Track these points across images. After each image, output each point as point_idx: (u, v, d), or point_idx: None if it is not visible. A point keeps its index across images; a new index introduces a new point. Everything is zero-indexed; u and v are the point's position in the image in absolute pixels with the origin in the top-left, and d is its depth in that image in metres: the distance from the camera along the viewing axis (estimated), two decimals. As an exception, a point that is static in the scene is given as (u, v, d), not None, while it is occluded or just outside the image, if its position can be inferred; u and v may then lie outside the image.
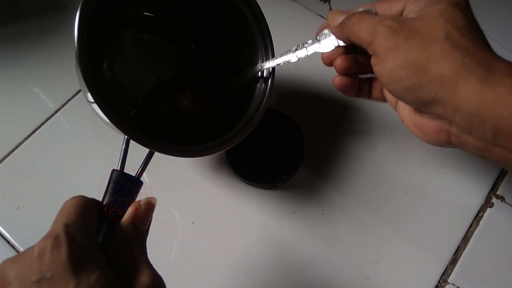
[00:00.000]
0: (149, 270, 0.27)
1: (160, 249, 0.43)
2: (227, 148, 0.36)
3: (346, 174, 0.47)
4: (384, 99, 0.35)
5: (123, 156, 0.31)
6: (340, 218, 0.45)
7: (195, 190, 0.46)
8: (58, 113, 0.50)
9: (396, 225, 0.45)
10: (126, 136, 0.31)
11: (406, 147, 0.48)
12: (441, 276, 0.43)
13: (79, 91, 0.51)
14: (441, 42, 0.25)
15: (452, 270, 0.43)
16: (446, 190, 0.46)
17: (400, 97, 0.28)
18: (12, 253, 0.43)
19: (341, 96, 0.51)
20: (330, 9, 0.56)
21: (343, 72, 0.33)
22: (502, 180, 0.47)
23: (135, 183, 0.30)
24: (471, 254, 0.43)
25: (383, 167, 0.47)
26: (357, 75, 0.34)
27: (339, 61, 0.32)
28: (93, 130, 0.49)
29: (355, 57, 0.33)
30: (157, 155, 0.33)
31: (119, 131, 0.31)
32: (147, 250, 0.28)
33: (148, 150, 0.33)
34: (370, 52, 0.28)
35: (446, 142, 0.28)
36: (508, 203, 0.46)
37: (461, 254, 0.43)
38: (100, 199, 0.29)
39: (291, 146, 0.45)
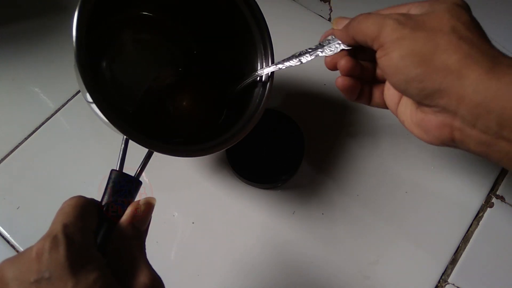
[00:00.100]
0: (148, 270, 0.27)
1: (160, 249, 0.43)
2: (226, 148, 0.36)
3: (346, 174, 0.47)
4: (384, 105, 0.35)
5: (122, 156, 0.31)
6: (340, 218, 0.45)
7: (195, 190, 0.46)
8: (58, 113, 0.50)
9: (396, 225, 0.45)
10: (125, 136, 0.31)
11: (406, 147, 0.48)
12: (441, 276, 0.43)
13: (79, 91, 0.51)
14: (447, 34, 0.26)
15: (452, 270, 0.43)
16: (446, 190, 0.46)
17: (403, 89, 0.28)
18: (12, 253, 0.43)
19: (341, 96, 0.51)
20: (330, 9, 0.56)
21: (347, 73, 0.33)
22: (502, 180, 0.47)
23: (135, 183, 0.30)
24: (471, 254, 0.43)
25: (383, 167, 0.47)
26: (359, 80, 0.34)
27: (343, 62, 0.32)
28: (93, 130, 0.49)
29: (358, 61, 0.33)
30: (157, 155, 0.33)
31: (118, 131, 0.30)
32: (147, 250, 0.28)
33: (147, 150, 0.32)
34: (375, 46, 0.29)
35: (448, 139, 0.28)
36: (508, 203, 0.46)
37: (461, 254, 0.43)
38: (100, 199, 0.29)
39: (291, 146, 0.45)
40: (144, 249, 0.28)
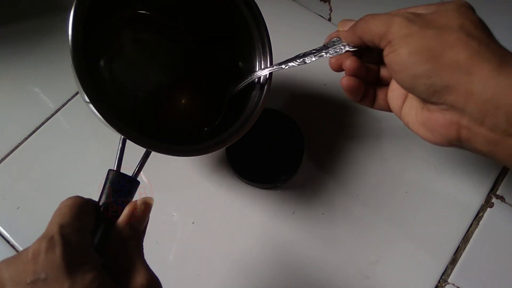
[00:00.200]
0: (145, 271, 0.27)
1: (160, 249, 0.43)
2: (224, 148, 0.36)
3: (346, 174, 0.47)
4: (387, 107, 0.34)
5: (119, 156, 0.31)
6: (340, 218, 0.45)
7: (195, 190, 0.46)
8: (58, 113, 0.50)
9: (396, 225, 0.45)
10: (122, 136, 0.31)
11: (406, 148, 0.48)
12: (441, 276, 0.43)
13: (79, 91, 0.51)
14: (456, 32, 0.26)
15: (452, 270, 0.43)
16: (446, 190, 0.46)
17: (411, 86, 0.28)
18: (12, 253, 0.43)
19: (341, 96, 0.51)
20: (330, 9, 0.56)
21: (352, 73, 0.33)
22: (502, 180, 0.47)
23: (135, 184, 0.30)
24: (471, 254, 0.43)
25: (383, 167, 0.47)
26: (363, 81, 0.34)
27: (349, 62, 0.32)
28: (93, 130, 0.49)
29: (363, 62, 0.33)
30: (156, 155, 0.33)
31: (115, 131, 0.31)
32: (146, 251, 0.28)
33: (145, 149, 0.32)
34: (383, 44, 0.28)
35: (455, 138, 0.27)
36: (508, 203, 0.46)
37: (461, 254, 0.43)
38: (98, 199, 0.29)
39: (291, 146, 0.45)
40: (142, 249, 0.28)
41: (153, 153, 0.33)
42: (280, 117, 0.46)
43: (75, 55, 0.29)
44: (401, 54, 0.27)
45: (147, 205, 0.29)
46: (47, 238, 0.24)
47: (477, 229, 0.44)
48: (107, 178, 0.30)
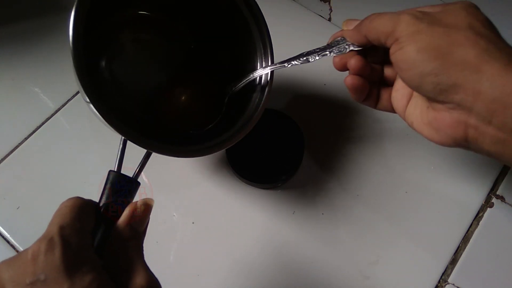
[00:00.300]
0: (145, 272, 0.26)
1: (160, 249, 0.43)
2: (224, 149, 0.36)
3: (346, 174, 0.47)
4: (390, 108, 0.34)
5: (120, 157, 0.31)
6: (340, 218, 0.45)
7: (195, 190, 0.46)
8: (58, 113, 0.50)
9: (396, 225, 0.45)
10: (122, 137, 0.31)
11: (406, 148, 0.48)
12: (441, 276, 0.43)
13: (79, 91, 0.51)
14: (464, 30, 0.26)
15: (452, 270, 0.43)
16: (446, 190, 0.46)
17: (417, 84, 0.27)
18: (12, 253, 0.43)
19: (341, 96, 0.51)
20: (330, 9, 0.56)
21: (357, 72, 0.32)
22: (502, 180, 0.47)
23: (135, 184, 0.30)
24: (471, 254, 0.43)
25: (383, 167, 0.47)
26: (367, 81, 0.34)
27: (354, 61, 0.32)
28: (93, 130, 0.49)
29: (368, 61, 0.33)
30: (156, 155, 0.33)
31: (116, 132, 0.30)
32: (145, 251, 0.28)
33: (146, 150, 0.32)
34: (389, 42, 0.28)
35: (461, 138, 0.27)
36: (508, 203, 0.46)
37: (461, 254, 0.43)
38: (98, 199, 0.29)
39: (291, 146, 0.45)
40: (142, 250, 0.28)
41: (153, 153, 0.33)
42: (280, 117, 0.46)
43: (76, 55, 0.29)
44: (409, 51, 0.27)
45: (147, 206, 0.29)
46: (47, 239, 0.24)
47: (477, 229, 0.44)
48: (107, 179, 0.30)
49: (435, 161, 0.47)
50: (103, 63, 0.41)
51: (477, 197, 0.46)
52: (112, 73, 0.41)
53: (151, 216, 0.30)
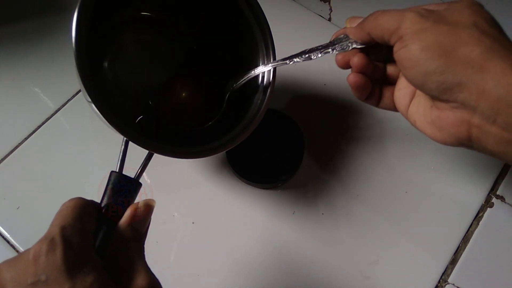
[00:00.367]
0: (146, 273, 0.26)
1: (160, 249, 0.43)
2: (226, 150, 0.36)
3: (346, 174, 0.47)
4: (393, 106, 0.34)
5: (121, 157, 0.31)
6: (340, 218, 0.45)
7: (195, 190, 0.46)
8: (58, 113, 0.50)
9: (396, 225, 0.45)
10: (125, 138, 0.31)
11: (406, 147, 0.48)
12: (441, 276, 0.43)
13: (79, 91, 0.51)
14: (469, 28, 0.25)
15: (452, 270, 0.43)
16: (446, 190, 0.46)
17: (421, 83, 0.27)
18: (12, 253, 0.43)
19: (341, 96, 0.51)
20: (330, 9, 0.56)
21: (360, 70, 0.32)
22: (502, 180, 0.47)
23: (135, 184, 0.30)
24: (471, 254, 0.43)
25: (383, 167, 0.47)
26: (370, 79, 0.33)
27: (356, 58, 0.32)
28: (93, 130, 0.49)
29: (371, 59, 0.33)
30: (157, 155, 0.33)
31: (120, 134, 0.31)
32: (147, 251, 0.28)
33: (147, 151, 0.32)
34: (393, 40, 0.28)
35: (465, 137, 0.27)
36: (508, 203, 0.46)
37: (461, 254, 0.43)
38: (100, 200, 0.29)
39: (291, 146, 0.45)
40: (143, 251, 0.28)
41: (153, 155, 0.33)
42: (280, 117, 0.46)
43: (78, 56, 0.29)
44: (413, 49, 0.26)
45: (148, 207, 0.29)
46: (48, 240, 0.24)
47: (477, 229, 0.44)
48: (109, 180, 0.30)
49: (435, 161, 0.47)
50: (105, 64, 0.41)
51: (477, 197, 0.46)
52: (113, 73, 0.41)
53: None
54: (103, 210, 0.28)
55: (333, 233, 0.44)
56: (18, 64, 0.52)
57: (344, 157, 0.48)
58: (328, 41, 0.34)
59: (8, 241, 0.44)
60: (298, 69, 0.51)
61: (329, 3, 0.56)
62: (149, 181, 0.46)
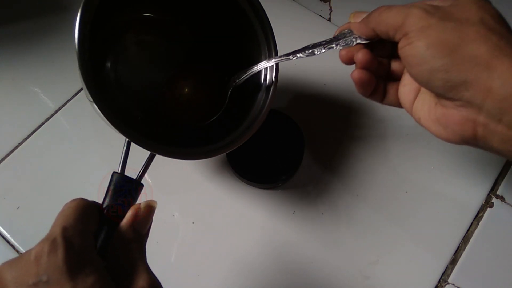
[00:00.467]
0: (147, 274, 0.27)
1: (160, 249, 0.43)
2: (228, 151, 0.36)
3: (346, 174, 0.47)
4: (397, 103, 0.33)
5: (124, 158, 0.31)
6: (340, 218, 0.45)
7: (195, 190, 0.46)
8: (58, 113, 0.50)
9: (396, 225, 0.45)
10: (127, 139, 0.31)
11: (406, 147, 0.48)
12: (441, 276, 0.43)
13: (79, 91, 0.51)
14: (476, 25, 0.25)
15: (452, 270, 0.43)
16: (446, 190, 0.46)
17: (427, 80, 0.27)
18: (12, 253, 0.43)
19: (341, 96, 0.51)
20: (330, 9, 0.56)
21: (364, 66, 0.31)
22: (502, 180, 0.47)
23: (135, 184, 0.30)
24: (471, 254, 0.43)
25: (383, 167, 0.47)
26: (374, 75, 0.33)
27: (361, 54, 0.31)
28: (93, 130, 0.49)
29: (375, 55, 0.32)
30: (158, 155, 0.33)
31: (121, 134, 0.31)
32: (147, 251, 0.28)
33: (149, 152, 0.32)
34: (398, 36, 0.27)
35: (470, 136, 0.26)
36: (508, 203, 0.46)
37: (461, 254, 0.43)
38: (100, 200, 0.29)
39: (291, 146, 0.45)
40: (144, 252, 0.28)
41: (155, 156, 0.33)
42: (280, 117, 0.46)
43: (81, 56, 0.29)
44: (418, 47, 0.26)
45: (149, 208, 0.29)
46: (50, 240, 0.24)
47: (477, 229, 0.44)
48: (110, 181, 0.30)
49: (435, 161, 0.47)
50: (107, 64, 0.41)
51: (477, 197, 0.46)
52: (115, 73, 0.42)
53: (151, 216, 0.30)
54: (105, 211, 0.28)
55: (333, 233, 0.44)
56: (18, 64, 0.52)
57: (344, 157, 0.48)
58: (332, 35, 0.33)
59: (8, 241, 0.44)
60: (298, 69, 0.51)
61: (329, 3, 0.56)
62: (149, 181, 0.46)
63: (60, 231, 0.24)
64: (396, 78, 0.33)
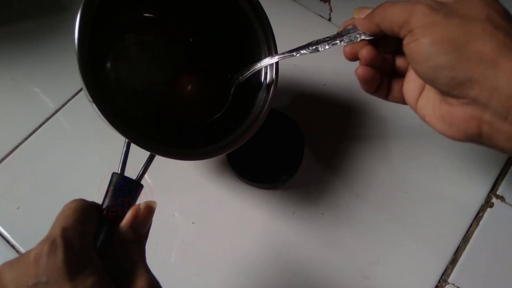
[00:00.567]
0: (146, 275, 0.27)
1: (160, 249, 0.43)
2: (228, 152, 0.36)
3: (346, 174, 0.47)
4: (401, 99, 0.33)
5: (123, 159, 0.31)
6: (340, 218, 0.45)
7: (195, 190, 0.46)
8: (58, 113, 0.50)
9: (396, 225, 0.45)
10: (127, 139, 0.31)
11: (406, 147, 0.48)
12: (441, 276, 0.43)
13: (79, 91, 0.51)
14: (482, 22, 0.25)
15: (452, 270, 0.43)
16: (446, 190, 0.46)
17: (431, 78, 0.26)
18: (12, 253, 0.43)
19: (341, 96, 0.51)
20: (330, 9, 0.56)
21: (368, 62, 0.31)
22: (502, 180, 0.47)
23: (135, 185, 0.30)
24: (471, 254, 0.43)
25: (383, 167, 0.47)
26: (378, 71, 0.32)
27: (365, 51, 0.31)
28: (93, 130, 0.49)
29: (379, 51, 0.32)
30: (158, 156, 0.33)
31: (121, 135, 0.31)
32: (147, 251, 0.28)
33: (149, 152, 0.32)
34: (403, 33, 0.27)
35: (475, 133, 0.26)
36: (508, 203, 0.46)
37: (461, 254, 0.43)
38: (100, 200, 0.29)
39: (291, 146, 0.45)
40: (144, 253, 0.28)
41: (155, 156, 0.33)
42: (280, 117, 0.46)
43: (81, 56, 0.29)
44: (423, 43, 0.26)
45: (149, 208, 0.29)
46: (50, 241, 0.24)
47: (477, 229, 0.44)
48: (110, 181, 0.30)
49: (435, 161, 0.47)
50: (107, 64, 0.41)
51: (477, 197, 0.46)
52: (115, 73, 0.42)
53: (151, 216, 0.30)
54: (104, 212, 0.28)
55: (333, 233, 0.44)
56: (18, 64, 0.52)
57: (344, 157, 0.48)
58: (336, 32, 0.33)
59: (8, 241, 0.44)
60: (298, 69, 0.51)
61: (329, 3, 0.56)
62: (149, 181, 0.46)
63: (60, 232, 0.24)
64: (400, 74, 0.33)
